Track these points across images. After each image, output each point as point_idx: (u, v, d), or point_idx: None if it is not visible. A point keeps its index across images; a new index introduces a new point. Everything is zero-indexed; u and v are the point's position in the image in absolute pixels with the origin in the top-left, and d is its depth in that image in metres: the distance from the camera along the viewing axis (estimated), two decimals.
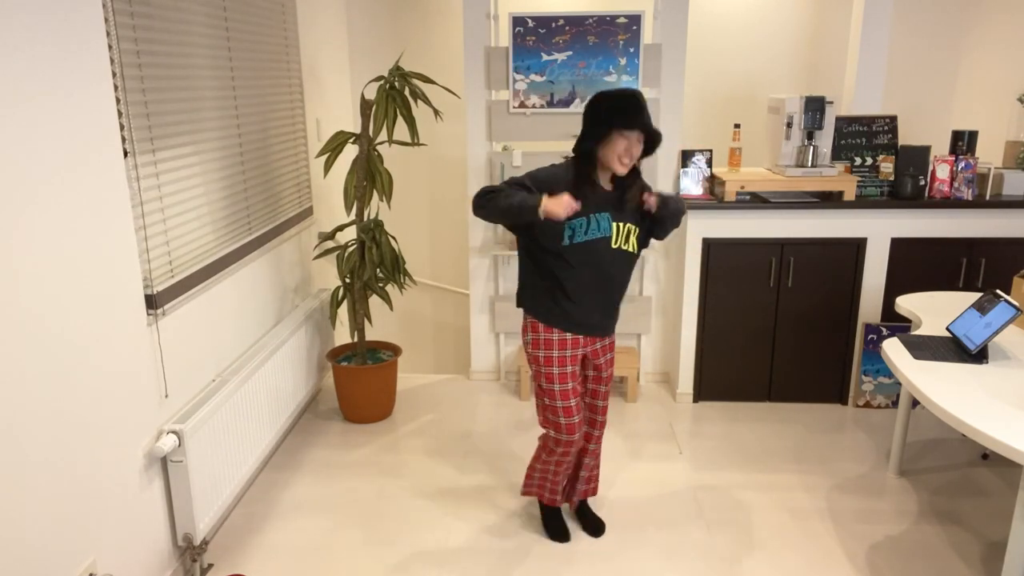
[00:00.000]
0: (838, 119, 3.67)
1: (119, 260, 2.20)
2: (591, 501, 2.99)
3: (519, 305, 2.58)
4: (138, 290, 2.30)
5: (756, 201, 3.60)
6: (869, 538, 2.77)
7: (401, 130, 4.35)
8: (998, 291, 2.57)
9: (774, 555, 2.68)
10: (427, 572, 2.61)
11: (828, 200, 3.58)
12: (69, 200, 1.97)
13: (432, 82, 3.47)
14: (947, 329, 2.71)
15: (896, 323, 3.68)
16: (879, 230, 3.61)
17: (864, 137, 3.68)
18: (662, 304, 4.06)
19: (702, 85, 4.64)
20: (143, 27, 2.33)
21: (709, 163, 3.76)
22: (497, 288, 4.07)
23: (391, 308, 3.79)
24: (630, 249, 2.47)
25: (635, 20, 3.65)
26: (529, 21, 3.68)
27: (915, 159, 3.54)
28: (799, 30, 4.52)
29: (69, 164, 1.97)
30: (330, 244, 3.98)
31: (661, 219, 2.48)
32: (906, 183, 3.56)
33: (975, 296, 3.21)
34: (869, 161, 3.69)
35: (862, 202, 3.56)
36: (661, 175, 3.88)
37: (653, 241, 2.72)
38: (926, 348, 2.58)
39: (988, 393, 2.24)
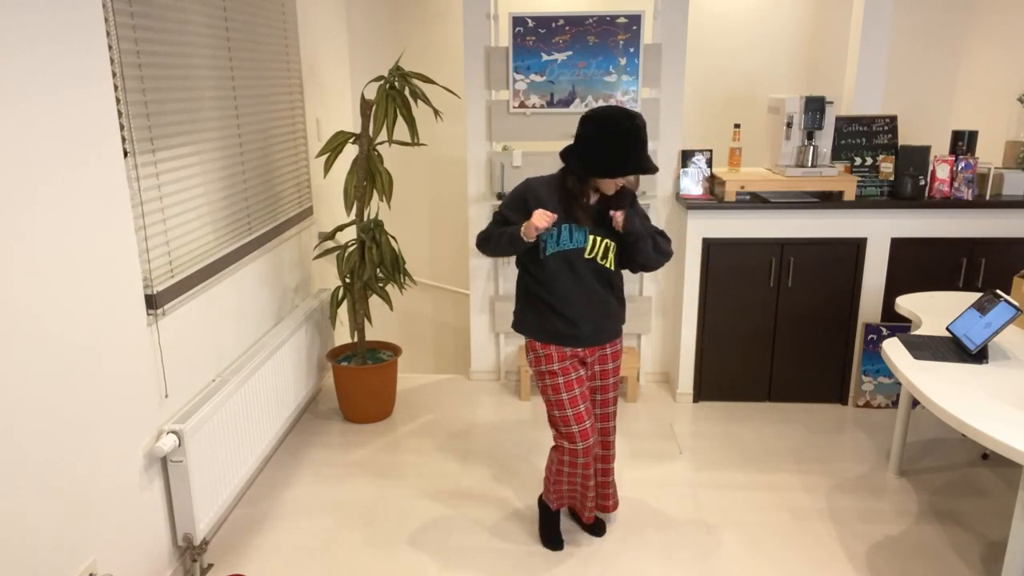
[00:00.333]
0: (838, 119, 3.67)
1: (119, 260, 2.20)
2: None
3: (513, 327, 2.59)
4: (138, 290, 2.30)
5: (756, 201, 3.60)
6: (869, 538, 2.77)
7: (401, 130, 4.35)
8: (998, 291, 2.57)
9: (774, 555, 2.68)
10: (427, 572, 2.61)
11: (828, 200, 3.58)
12: (69, 200, 1.97)
13: (432, 82, 3.47)
14: (947, 329, 2.71)
15: (896, 323, 3.68)
16: (879, 230, 3.61)
17: (864, 137, 3.68)
18: (662, 304, 4.06)
19: (702, 85, 4.64)
20: (143, 27, 2.33)
21: (709, 163, 3.76)
22: (497, 288, 4.07)
23: (391, 308, 3.79)
24: (607, 265, 2.45)
25: (635, 20, 3.65)
26: (529, 21, 3.68)
27: (915, 159, 3.54)
28: (799, 30, 4.52)
29: (69, 164, 1.97)
30: (330, 244, 3.98)
31: (628, 243, 2.41)
32: (906, 183, 3.56)
33: (975, 296, 3.21)
34: (869, 161, 3.69)
35: (862, 202, 3.56)
36: (661, 175, 3.88)
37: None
38: (926, 348, 2.58)
39: (988, 393, 2.24)
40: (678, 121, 3.82)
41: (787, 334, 3.76)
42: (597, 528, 2.81)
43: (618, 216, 2.37)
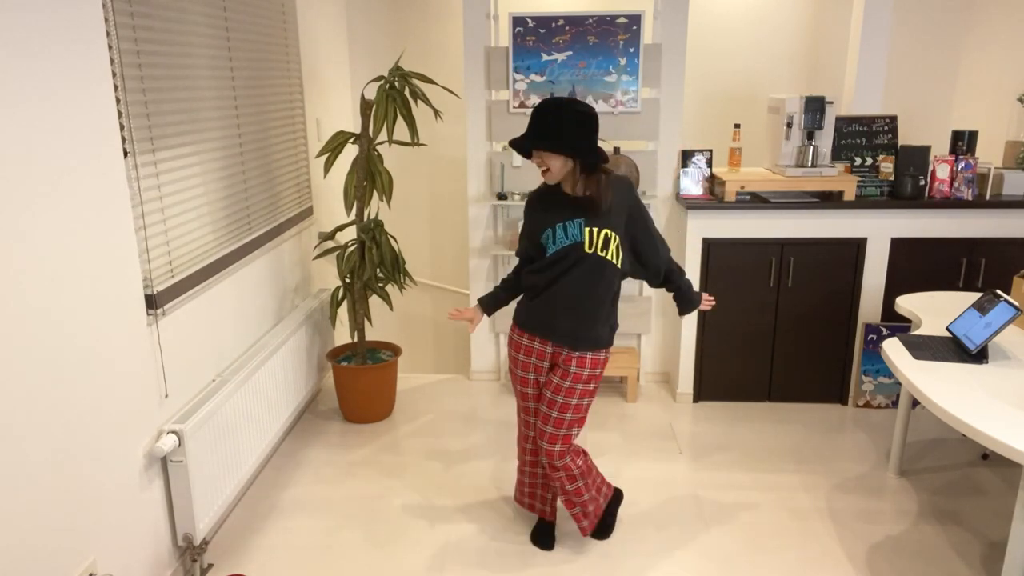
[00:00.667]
0: (838, 119, 3.67)
1: (119, 260, 2.20)
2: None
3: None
4: (138, 290, 2.30)
5: (756, 201, 3.60)
6: (869, 538, 2.77)
7: (401, 130, 4.35)
8: (998, 291, 2.57)
9: (774, 555, 2.68)
10: (427, 572, 2.61)
11: (828, 200, 3.58)
12: (69, 200, 1.97)
13: (432, 82, 3.47)
14: (947, 329, 2.71)
15: (896, 323, 3.68)
16: (879, 230, 3.61)
17: (864, 137, 3.68)
18: (662, 304, 4.05)
19: (702, 85, 4.64)
20: (143, 27, 2.33)
21: (709, 163, 3.76)
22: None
23: (391, 308, 3.79)
24: (609, 258, 2.39)
25: (635, 20, 3.65)
26: (529, 21, 3.68)
27: (915, 159, 3.54)
28: (799, 30, 4.52)
29: (69, 164, 1.97)
30: (330, 244, 3.98)
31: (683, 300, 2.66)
32: (906, 183, 3.56)
33: (975, 296, 3.21)
34: (869, 161, 3.69)
35: (862, 202, 3.56)
36: (661, 175, 3.88)
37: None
38: (926, 348, 2.58)
39: (988, 393, 2.24)
40: (678, 121, 3.82)
41: (787, 334, 3.76)
42: (539, 537, 2.75)
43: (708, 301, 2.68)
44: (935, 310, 2.99)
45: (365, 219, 3.56)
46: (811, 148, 3.55)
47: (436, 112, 3.59)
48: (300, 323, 3.52)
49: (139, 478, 2.32)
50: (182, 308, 2.58)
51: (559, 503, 2.86)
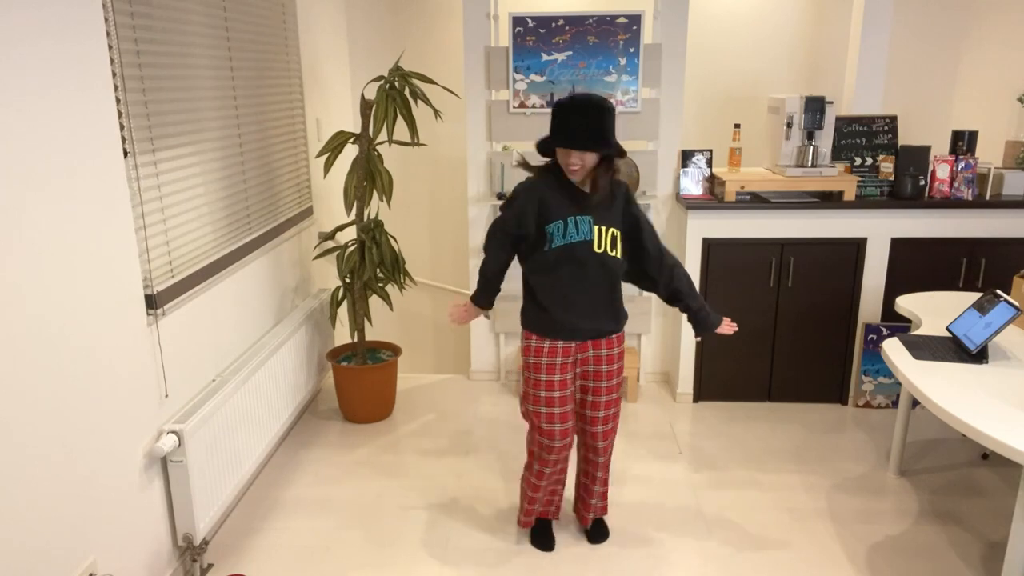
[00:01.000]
0: (838, 119, 3.67)
1: (119, 260, 2.20)
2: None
3: (521, 322, 2.59)
4: (138, 290, 2.30)
5: (756, 201, 3.60)
6: (869, 538, 2.77)
7: (401, 130, 4.35)
8: (998, 291, 2.57)
9: (774, 555, 2.68)
10: (426, 572, 2.61)
11: (828, 200, 3.58)
12: (69, 200, 1.97)
13: (432, 82, 3.47)
14: (947, 329, 2.71)
15: (896, 323, 3.68)
16: (879, 230, 3.61)
17: (864, 137, 3.68)
18: (662, 304, 4.05)
19: (702, 85, 4.64)
20: (143, 27, 2.33)
21: (709, 163, 3.76)
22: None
23: (391, 308, 3.79)
24: (616, 255, 2.42)
25: (635, 20, 3.65)
26: (529, 21, 3.68)
27: (915, 159, 3.54)
28: (799, 30, 4.52)
29: (69, 164, 1.97)
30: (330, 244, 3.98)
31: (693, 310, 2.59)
32: (906, 183, 3.56)
33: (975, 296, 3.21)
34: (869, 161, 3.69)
35: (862, 202, 3.56)
36: (661, 175, 3.88)
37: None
38: (926, 348, 2.58)
39: (988, 393, 2.24)
40: (678, 121, 3.82)
41: (787, 334, 3.76)
42: (596, 534, 2.77)
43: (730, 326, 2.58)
44: (935, 310, 2.99)
45: (365, 219, 3.56)
46: (811, 148, 3.55)
47: (436, 112, 3.59)
48: (300, 323, 3.52)
49: (139, 478, 2.32)
50: (182, 308, 2.58)
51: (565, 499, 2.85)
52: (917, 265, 3.65)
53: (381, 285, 3.64)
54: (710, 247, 3.65)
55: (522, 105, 3.78)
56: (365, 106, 3.44)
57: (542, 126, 3.81)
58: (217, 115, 2.82)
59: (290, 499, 3.05)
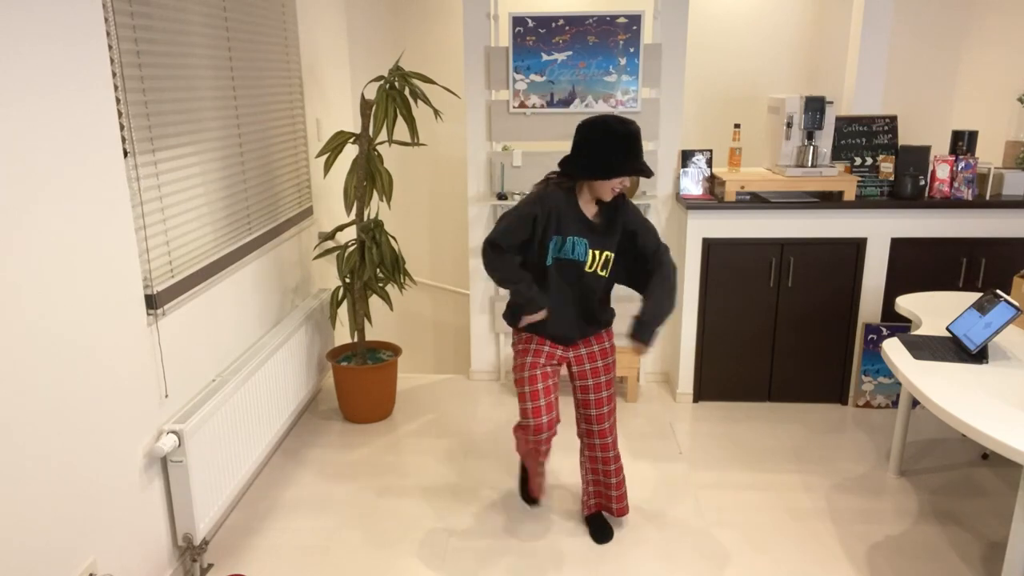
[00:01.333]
0: (838, 119, 3.67)
1: (119, 260, 2.20)
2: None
3: (504, 316, 2.62)
4: (138, 290, 2.30)
5: (756, 201, 3.60)
6: (869, 538, 2.77)
7: (401, 130, 4.35)
8: (998, 291, 2.57)
9: (774, 555, 2.68)
10: (427, 572, 2.61)
11: (828, 200, 3.58)
12: (69, 200, 1.97)
13: (432, 82, 3.47)
14: (947, 329, 2.71)
15: (896, 323, 3.68)
16: (879, 230, 3.61)
17: (864, 137, 3.68)
18: None
19: (702, 85, 4.64)
20: (143, 27, 2.33)
21: (709, 163, 3.76)
22: (497, 288, 4.07)
23: (391, 308, 3.79)
24: (604, 275, 2.54)
25: (635, 20, 3.65)
26: (529, 21, 3.68)
27: (915, 159, 3.54)
28: (799, 30, 4.52)
29: (69, 164, 1.97)
30: (330, 244, 3.98)
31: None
32: (906, 183, 3.56)
33: (975, 296, 3.21)
34: (869, 161, 3.69)
35: (862, 202, 3.56)
36: (661, 175, 3.88)
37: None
38: (926, 348, 2.58)
39: (988, 393, 2.24)
40: (678, 121, 3.82)
41: (787, 334, 3.76)
42: (603, 535, 2.78)
43: (642, 350, 2.45)
44: (935, 310, 2.99)
45: (365, 219, 3.56)
46: (811, 148, 3.55)
47: (436, 112, 3.59)
48: (300, 323, 3.52)
49: (139, 478, 2.32)
50: (182, 308, 2.58)
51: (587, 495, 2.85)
52: (917, 265, 3.65)
53: (381, 285, 3.64)
54: (710, 247, 3.65)
55: (522, 105, 3.78)
56: (365, 106, 3.44)
57: (542, 126, 3.81)
58: (217, 115, 2.82)
59: (290, 499, 3.05)
